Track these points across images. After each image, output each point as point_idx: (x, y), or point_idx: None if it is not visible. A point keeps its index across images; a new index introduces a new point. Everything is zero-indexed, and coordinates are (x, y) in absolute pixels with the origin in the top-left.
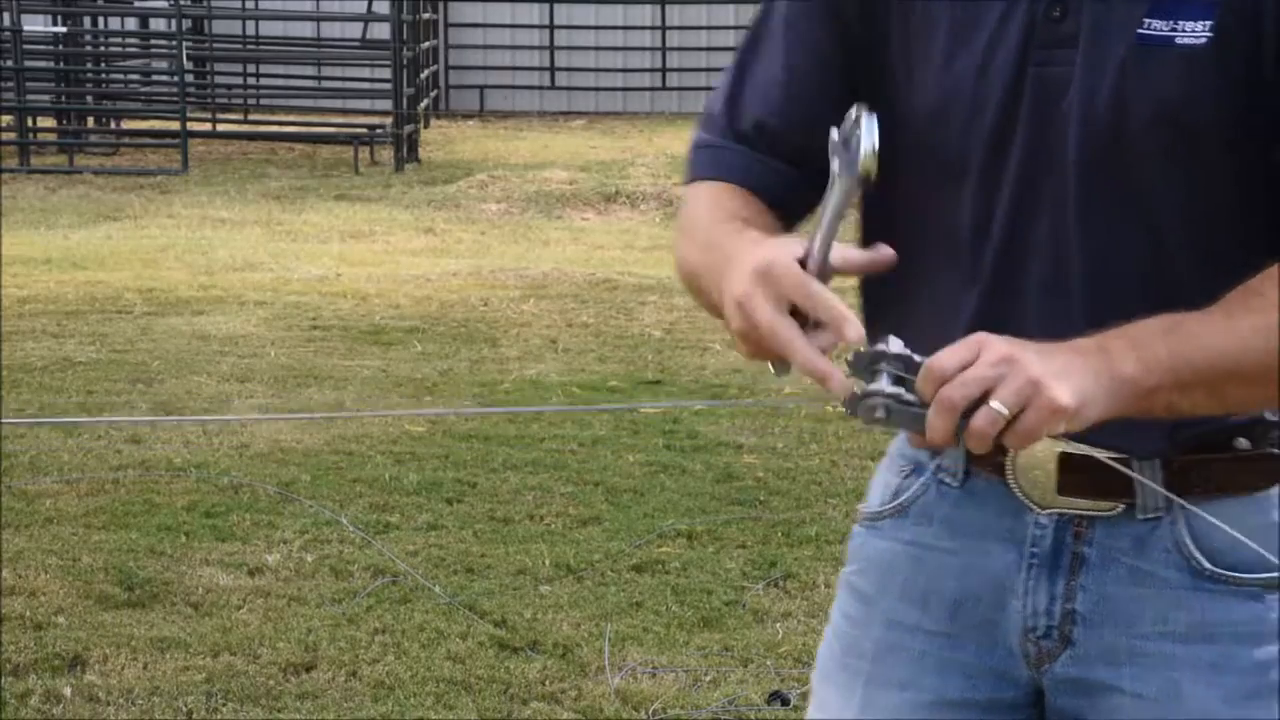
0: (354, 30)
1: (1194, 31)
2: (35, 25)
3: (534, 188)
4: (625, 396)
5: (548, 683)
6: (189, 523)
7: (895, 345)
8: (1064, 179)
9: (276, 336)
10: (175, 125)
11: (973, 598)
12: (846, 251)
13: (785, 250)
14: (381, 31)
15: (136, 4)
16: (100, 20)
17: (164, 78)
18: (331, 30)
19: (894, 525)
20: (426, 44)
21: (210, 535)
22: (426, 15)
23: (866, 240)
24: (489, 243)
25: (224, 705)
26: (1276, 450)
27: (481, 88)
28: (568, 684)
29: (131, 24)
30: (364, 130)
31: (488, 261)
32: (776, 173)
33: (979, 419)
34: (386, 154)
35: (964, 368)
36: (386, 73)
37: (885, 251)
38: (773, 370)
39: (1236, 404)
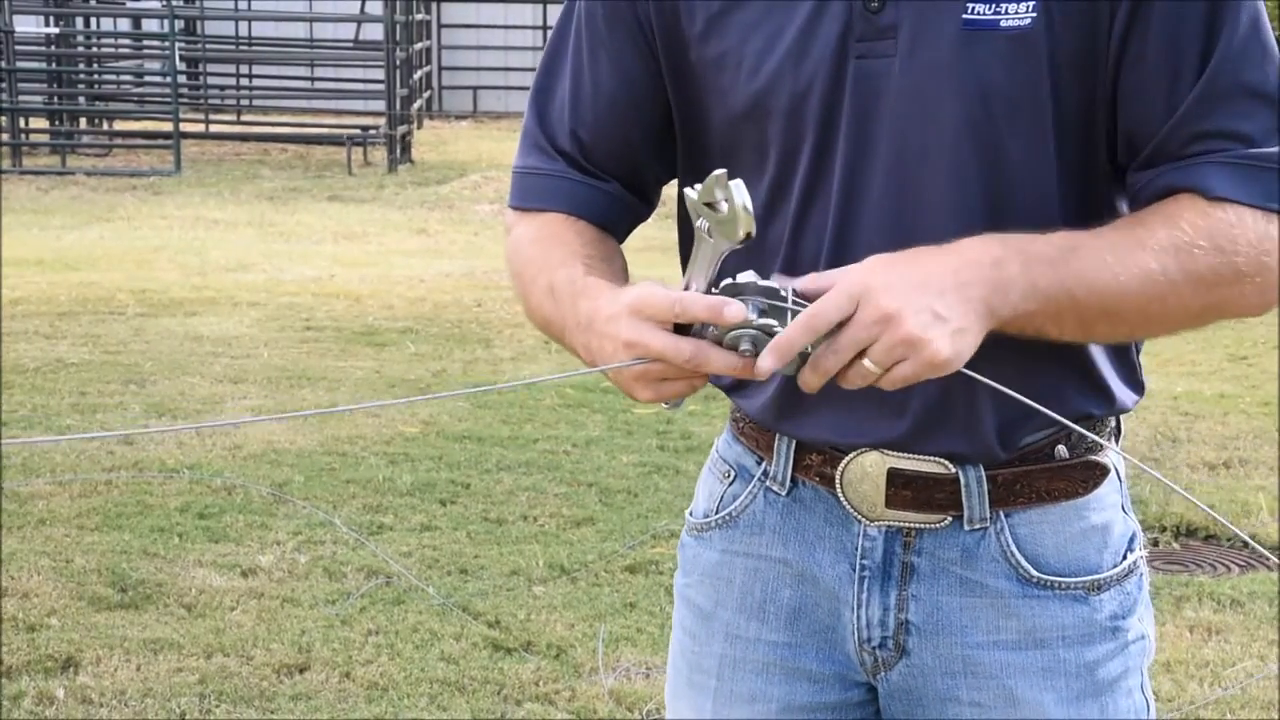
0: (347, 31)
1: (1018, 14)
2: (27, 26)
3: None
4: (618, 397)
5: (541, 684)
6: (182, 524)
7: (754, 276)
8: (893, 169)
9: (269, 337)
10: (168, 126)
11: (810, 605)
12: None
13: (650, 287)
14: (374, 32)
15: (129, 5)
16: (93, 21)
17: (156, 78)
18: (324, 31)
19: (724, 536)
20: (420, 45)
21: (203, 536)
22: (419, 16)
23: (684, 245)
24: (482, 243)
25: (217, 706)
26: (1092, 457)
27: (475, 88)
28: (561, 685)
29: (124, 25)
30: (357, 131)
31: (481, 262)
32: (600, 193)
33: (851, 374)
34: (380, 155)
35: (842, 320)
36: (380, 73)
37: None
38: (667, 406)
39: (1100, 337)
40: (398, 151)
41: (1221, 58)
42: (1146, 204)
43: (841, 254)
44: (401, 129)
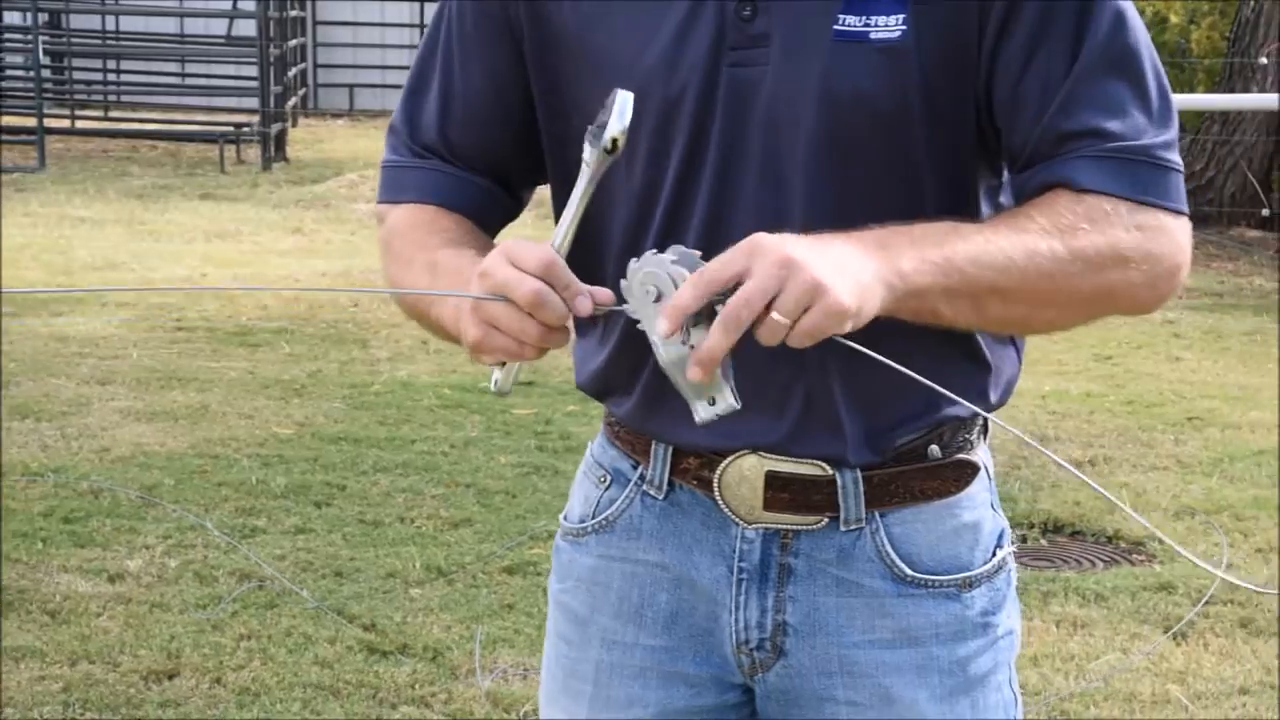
0: (219, 26)
1: (888, 26)
2: None
3: None
4: (497, 398)
5: (417, 686)
6: (46, 529)
7: (679, 256)
8: (763, 176)
9: (139, 338)
10: (31, 122)
11: (688, 609)
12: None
13: (526, 241)
14: (247, 28)
15: None
16: None
17: (19, 73)
18: (195, 26)
19: (600, 541)
20: (294, 41)
21: (69, 541)
22: (294, 12)
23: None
24: (359, 243)
25: (82, 715)
26: (963, 456)
27: (351, 86)
28: (438, 687)
29: None
30: (230, 128)
31: (358, 262)
32: (473, 185)
33: (762, 332)
34: (253, 153)
35: (738, 277)
36: (253, 70)
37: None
38: (495, 384)
39: (994, 321)
40: (272, 149)
41: (1088, 57)
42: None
43: (711, 251)
44: (276, 127)
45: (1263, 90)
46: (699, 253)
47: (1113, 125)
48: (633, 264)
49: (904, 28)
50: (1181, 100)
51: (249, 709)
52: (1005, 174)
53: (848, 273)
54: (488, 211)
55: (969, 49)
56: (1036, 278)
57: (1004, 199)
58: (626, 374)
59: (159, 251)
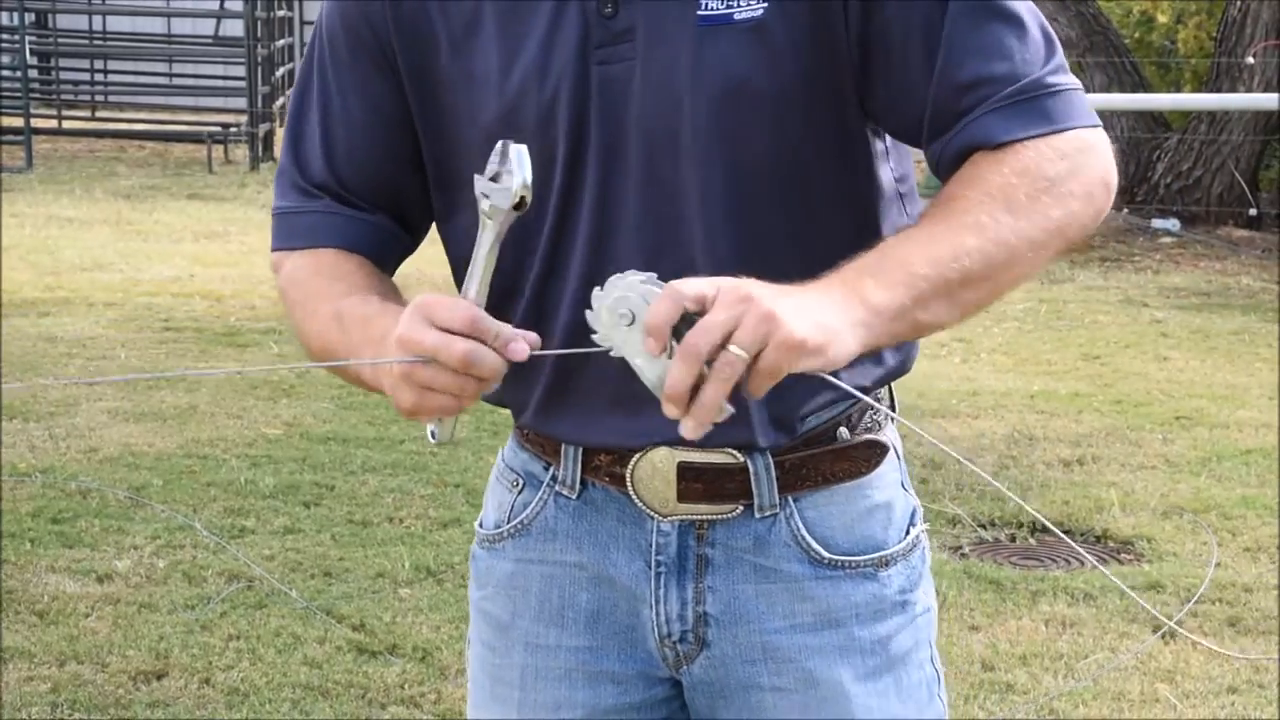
0: (206, 26)
1: (749, 5)
2: None
3: None
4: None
5: (407, 686)
6: (34, 529)
7: (646, 278)
8: (646, 171)
9: (127, 338)
10: (19, 122)
11: (609, 607)
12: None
13: (441, 297)
14: (235, 28)
15: None
16: None
17: (6, 73)
18: (183, 26)
19: (516, 545)
20: (282, 41)
21: (57, 542)
22: (281, 12)
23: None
24: None
25: (71, 715)
26: (871, 436)
27: None
28: (427, 687)
29: None
30: (217, 128)
31: None
32: (367, 225)
33: (720, 365)
34: (241, 152)
35: (703, 298)
36: (240, 70)
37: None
38: (432, 435)
39: (970, 307)
40: (260, 149)
41: (959, 6)
42: (948, 174)
43: (600, 261)
44: (263, 127)
45: (1249, 90)
46: (654, 275)
47: (1002, 68)
48: (598, 292)
49: (766, 4)
50: (1179, 100)
51: (238, 709)
52: (889, 140)
53: (808, 314)
54: (385, 250)
55: (834, 24)
56: (994, 249)
57: (888, 166)
58: (522, 384)
59: (146, 251)
